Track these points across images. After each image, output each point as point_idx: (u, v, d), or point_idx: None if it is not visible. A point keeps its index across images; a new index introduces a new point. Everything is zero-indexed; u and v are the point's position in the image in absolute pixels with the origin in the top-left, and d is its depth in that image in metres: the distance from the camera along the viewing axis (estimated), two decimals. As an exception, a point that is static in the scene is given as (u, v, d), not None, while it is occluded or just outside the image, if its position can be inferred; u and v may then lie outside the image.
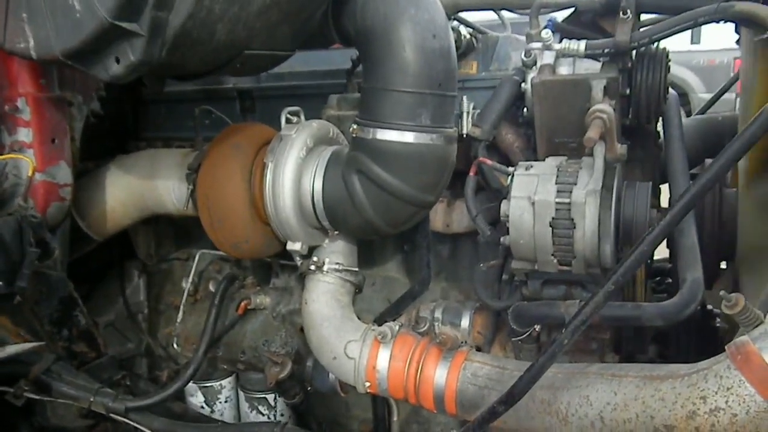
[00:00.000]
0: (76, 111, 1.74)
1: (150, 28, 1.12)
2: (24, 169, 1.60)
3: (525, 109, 1.65)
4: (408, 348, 1.52)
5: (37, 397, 1.63)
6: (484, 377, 1.42)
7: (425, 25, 1.43)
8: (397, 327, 1.55)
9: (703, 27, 1.50)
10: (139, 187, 1.90)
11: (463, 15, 2.02)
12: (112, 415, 1.64)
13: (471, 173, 1.65)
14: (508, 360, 1.50)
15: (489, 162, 1.62)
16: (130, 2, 1.09)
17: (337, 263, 1.68)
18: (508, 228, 1.48)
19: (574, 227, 1.38)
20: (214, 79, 2.14)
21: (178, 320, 2.15)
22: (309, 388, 1.88)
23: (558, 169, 1.44)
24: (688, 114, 2.30)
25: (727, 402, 1.03)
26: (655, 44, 1.56)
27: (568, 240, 1.39)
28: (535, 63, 1.59)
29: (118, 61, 1.17)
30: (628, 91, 1.56)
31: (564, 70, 1.57)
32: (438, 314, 1.75)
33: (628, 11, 1.47)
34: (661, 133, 1.80)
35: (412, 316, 1.77)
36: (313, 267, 1.67)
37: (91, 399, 1.63)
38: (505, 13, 2.26)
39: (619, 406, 1.15)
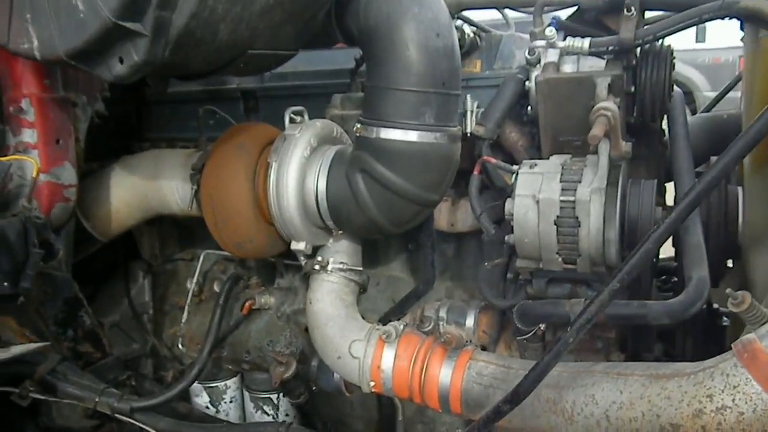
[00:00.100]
0: (80, 112, 1.74)
1: (153, 28, 1.13)
2: (28, 170, 1.60)
3: (529, 108, 1.65)
4: (413, 347, 1.51)
5: (42, 398, 1.63)
6: (489, 376, 1.42)
7: (429, 23, 1.43)
8: (401, 326, 1.55)
9: (708, 25, 1.49)
10: (143, 187, 1.90)
11: (467, 14, 2.02)
12: (117, 415, 1.64)
13: (475, 172, 1.64)
14: (513, 359, 1.50)
15: (493, 160, 1.61)
16: (133, 2, 1.09)
17: (342, 263, 1.68)
18: (512, 227, 1.47)
19: (579, 225, 1.37)
20: (217, 80, 2.14)
21: (183, 320, 2.15)
22: (314, 388, 1.88)
23: (562, 167, 1.43)
24: (693, 112, 2.29)
25: (733, 400, 1.02)
26: (660, 41, 1.55)
27: (573, 238, 1.39)
28: (539, 61, 1.58)
29: (121, 61, 1.17)
30: (632, 89, 1.55)
31: (568, 68, 1.56)
32: (443, 313, 1.75)
33: (633, 8, 1.46)
34: (666, 131, 1.80)
35: (417, 316, 1.76)
36: (317, 267, 1.67)
37: (97, 399, 1.64)
38: (508, 12, 2.26)
39: (625, 404, 1.14)
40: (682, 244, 1.41)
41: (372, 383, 1.54)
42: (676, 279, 2.19)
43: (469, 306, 1.76)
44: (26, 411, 1.68)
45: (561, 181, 1.40)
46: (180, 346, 2.18)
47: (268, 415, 2.08)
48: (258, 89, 2.11)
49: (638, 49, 1.56)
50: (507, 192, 1.55)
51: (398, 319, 1.80)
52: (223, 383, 2.12)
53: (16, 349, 1.48)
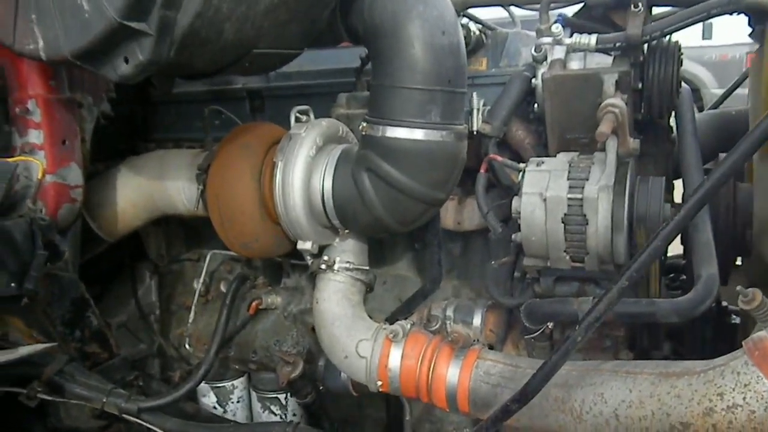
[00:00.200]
0: (86, 112, 1.75)
1: (158, 28, 1.12)
2: (34, 171, 1.61)
3: (536, 105, 1.64)
4: (420, 346, 1.51)
5: (50, 398, 1.64)
6: (497, 375, 1.41)
7: (434, 21, 1.42)
8: (408, 325, 1.54)
9: (715, 22, 1.48)
10: (149, 187, 1.90)
11: (472, 11, 2.01)
12: (124, 415, 1.64)
13: (482, 170, 1.64)
14: (520, 358, 1.49)
15: (500, 159, 1.61)
16: (138, 2, 1.09)
17: (348, 262, 1.67)
18: (519, 225, 1.46)
19: (587, 223, 1.36)
20: (223, 79, 2.14)
21: (190, 321, 2.16)
22: (321, 388, 1.88)
23: (570, 165, 1.42)
24: (700, 110, 2.28)
25: (744, 398, 1.01)
26: (667, 37, 1.54)
27: (581, 236, 1.38)
28: (545, 58, 1.57)
29: (127, 61, 1.17)
30: (640, 85, 1.54)
31: (575, 64, 1.55)
32: (450, 312, 1.74)
33: (640, 4, 1.45)
34: (674, 128, 1.78)
35: (424, 315, 1.76)
36: (323, 266, 1.66)
37: (104, 400, 1.64)
38: (514, 10, 2.25)
39: (635, 403, 1.14)
40: (691, 241, 1.40)
41: (379, 383, 1.53)
42: (684, 277, 2.18)
43: (476, 305, 1.75)
44: (34, 412, 1.68)
45: (568, 179, 1.39)
46: (187, 346, 2.18)
47: (276, 415, 2.08)
48: (263, 89, 2.11)
49: (645, 46, 1.54)
50: (514, 190, 1.54)
51: (405, 319, 1.79)
52: (230, 383, 2.12)
53: (24, 350, 1.48)
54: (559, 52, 1.55)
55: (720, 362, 1.07)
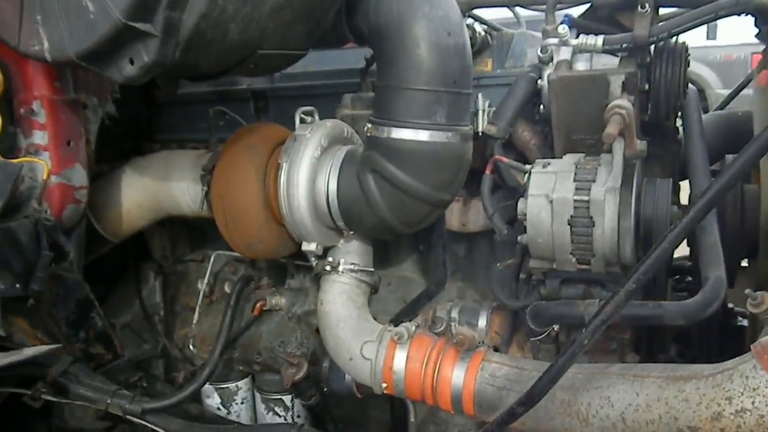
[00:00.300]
0: (91, 113, 1.74)
1: (163, 29, 1.12)
2: (39, 172, 1.60)
3: (541, 106, 1.63)
4: (425, 348, 1.50)
5: (54, 399, 1.63)
6: (503, 378, 1.40)
7: (440, 22, 1.42)
8: (413, 327, 1.54)
9: (719, 22, 1.47)
10: (154, 188, 1.90)
11: (478, 12, 2.01)
12: (129, 417, 1.64)
13: (487, 171, 1.63)
14: (526, 360, 1.48)
15: (505, 160, 1.60)
16: (143, 2, 1.09)
17: (353, 264, 1.67)
18: (525, 226, 1.46)
19: (593, 225, 1.36)
20: (227, 80, 2.14)
21: (194, 321, 2.15)
22: (325, 389, 1.87)
23: (576, 167, 1.42)
24: (705, 110, 2.26)
25: (753, 403, 1.00)
26: (674, 38, 1.53)
27: (587, 238, 1.37)
28: (551, 59, 1.57)
29: (132, 62, 1.16)
30: (646, 87, 1.53)
31: (581, 65, 1.54)
32: (455, 314, 1.74)
33: (647, 5, 1.44)
34: (680, 129, 1.77)
35: (429, 317, 1.75)
36: (328, 268, 1.66)
37: (108, 401, 1.63)
38: (519, 10, 2.24)
39: (642, 407, 1.13)
40: (698, 243, 1.39)
41: (384, 385, 1.53)
42: (690, 278, 2.17)
43: (481, 307, 1.75)
44: (38, 412, 1.68)
45: (575, 181, 1.39)
46: (191, 347, 2.18)
47: (280, 416, 2.07)
48: (268, 89, 2.11)
49: (652, 47, 1.54)
50: (519, 192, 1.54)
51: (410, 320, 1.79)
52: (234, 384, 2.12)
53: (29, 351, 1.48)
54: (565, 53, 1.54)
55: (728, 366, 1.06)
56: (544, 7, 1.68)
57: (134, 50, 1.16)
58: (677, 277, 2.25)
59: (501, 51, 1.86)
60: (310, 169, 1.55)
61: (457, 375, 1.45)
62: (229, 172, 1.66)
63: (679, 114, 1.71)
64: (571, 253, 1.41)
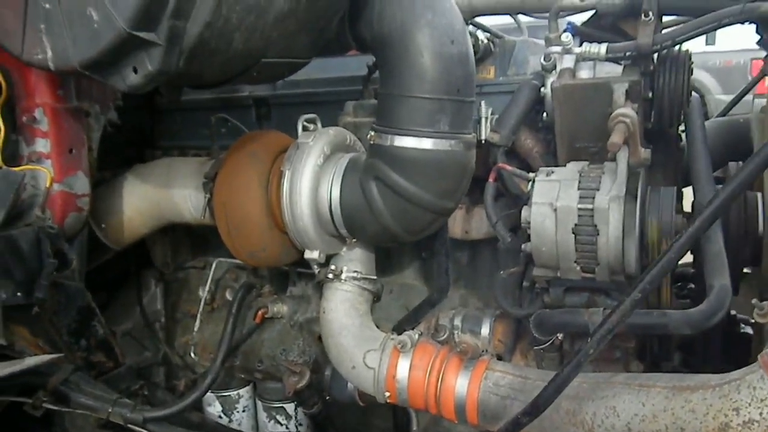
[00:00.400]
0: (93, 121, 1.74)
1: (168, 38, 1.12)
2: (42, 179, 1.60)
3: (545, 114, 1.63)
4: (428, 357, 1.50)
5: (55, 408, 1.62)
6: (507, 387, 1.40)
7: (443, 30, 1.42)
8: (416, 336, 1.53)
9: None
10: (156, 196, 1.90)
11: (479, 19, 2.01)
12: (130, 425, 1.63)
13: (490, 179, 1.63)
14: (530, 369, 1.47)
15: (509, 168, 1.60)
16: (147, 12, 1.08)
17: (355, 271, 1.66)
18: (528, 235, 1.45)
19: (598, 234, 1.35)
20: (229, 87, 2.13)
21: (195, 329, 2.15)
22: (327, 398, 1.86)
23: (580, 175, 1.42)
24: (706, 116, 2.27)
25: (761, 414, 1.00)
26: (677, 46, 1.53)
27: (592, 247, 1.37)
28: (554, 67, 1.57)
29: (135, 71, 1.16)
30: (650, 95, 1.53)
31: (584, 73, 1.54)
32: (457, 322, 1.73)
33: (650, 13, 1.44)
34: (683, 136, 1.77)
35: (432, 325, 1.75)
36: (330, 275, 1.65)
37: (110, 410, 1.63)
38: (519, 16, 2.25)
39: (648, 417, 1.12)
40: (702, 252, 1.39)
41: (387, 394, 1.52)
42: (693, 286, 2.16)
43: (484, 314, 1.74)
44: (39, 421, 1.67)
45: (579, 189, 1.38)
46: (192, 354, 2.17)
47: (282, 424, 2.07)
48: (270, 97, 2.11)
49: (655, 55, 1.54)
50: (523, 199, 1.53)
51: (412, 328, 1.78)
52: (235, 392, 2.11)
53: (30, 361, 1.47)
54: (568, 61, 1.54)
55: (735, 376, 1.06)
56: (546, 14, 1.68)
57: (138, 59, 1.15)
58: (679, 283, 2.25)
59: (503, 58, 1.86)
60: (312, 177, 1.55)
61: (460, 384, 1.44)
62: (231, 179, 1.66)
63: (682, 121, 1.70)
64: (575, 262, 1.41)
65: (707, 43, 7.94)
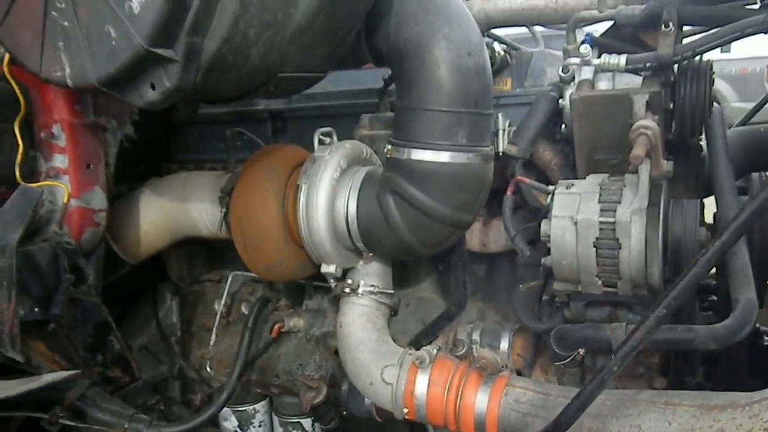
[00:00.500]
0: (110, 136, 1.75)
1: (185, 54, 1.12)
2: (59, 195, 1.61)
3: (563, 126, 1.61)
4: (447, 373, 1.48)
5: (72, 424, 1.61)
6: (528, 403, 1.38)
7: (460, 43, 1.41)
8: (435, 351, 1.51)
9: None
10: (172, 210, 1.90)
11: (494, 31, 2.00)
12: (146, 441, 1.62)
13: (509, 192, 1.61)
14: (551, 385, 1.45)
15: (527, 180, 1.58)
16: (165, 28, 1.08)
17: (372, 285, 1.65)
18: (548, 248, 1.43)
19: (620, 247, 1.33)
20: (245, 101, 2.14)
21: (211, 343, 2.14)
22: (344, 413, 1.85)
23: (601, 188, 1.39)
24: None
25: (793, 434, 0.97)
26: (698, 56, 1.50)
27: (614, 261, 1.34)
28: (573, 78, 1.55)
29: (153, 87, 1.16)
30: (671, 106, 1.51)
31: (603, 85, 1.52)
32: (476, 336, 1.71)
33: (671, 24, 1.42)
34: (703, 146, 1.75)
35: (450, 339, 1.73)
36: (347, 290, 1.64)
37: (126, 425, 1.62)
38: (535, 27, 2.23)
39: (675, 436, 1.09)
40: (727, 265, 1.36)
41: (405, 410, 1.50)
42: (715, 298, 2.13)
43: (502, 328, 1.72)
44: (56, 437, 1.67)
45: (600, 202, 1.36)
46: (208, 368, 2.16)
47: (298, 439, 2.05)
48: (286, 110, 2.11)
49: (676, 65, 1.51)
50: (542, 212, 1.52)
51: (430, 342, 1.76)
52: (251, 407, 2.10)
53: (47, 378, 1.46)
54: (587, 73, 1.52)
55: (766, 395, 1.03)
56: (563, 25, 1.67)
57: (155, 76, 1.15)
58: (701, 296, 2.21)
59: (520, 70, 1.85)
60: (329, 191, 1.54)
61: (480, 400, 1.43)
62: (248, 193, 1.66)
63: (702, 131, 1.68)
64: (596, 276, 1.38)
65: (722, 51, 7.89)
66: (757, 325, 1.97)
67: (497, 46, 1.83)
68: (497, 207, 1.71)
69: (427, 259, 1.93)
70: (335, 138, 1.66)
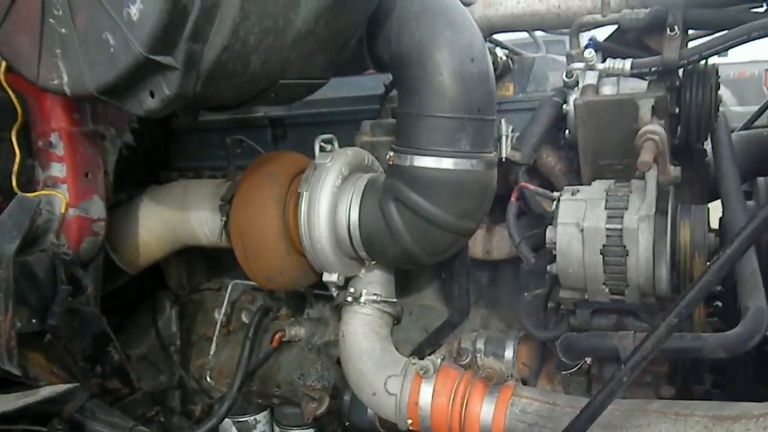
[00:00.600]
0: (109, 144, 1.73)
1: (185, 61, 1.10)
2: (57, 204, 1.59)
3: (567, 131, 1.59)
4: (451, 382, 1.46)
5: (71, 437, 1.59)
6: (534, 414, 1.36)
7: (462, 49, 1.40)
8: (439, 360, 1.49)
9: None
10: (172, 219, 1.87)
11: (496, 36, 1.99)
12: (147, 454, 1.60)
13: (513, 199, 1.59)
14: (558, 395, 1.43)
15: (531, 187, 1.56)
16: (165, 35, 1.06)
17: (375, 294, 1.63)
18: (553, 255, 1.41)
19: (627, 255, 1.31)
20: (245, 108, 2.12)
21: (211, 353, 2.11)
22: (347, 424, 1.82)
23: (607, 194, 1.38)
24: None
25: (809, 446, 0.95)
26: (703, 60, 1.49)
27: (621, 268, 1.32)
28: (577, 83, 1.53)
29: (152, 95, 1.14)
30: (676, 110, 1.49)
31: (608, 90, 1.51)
32: (480, 345, 1.69)
33: (676, 27, 1.40)
34: (708, 151, 1.73)
35: (454, 348, 1.70)
36: (350, 298, 1.62)
37: (126, 438, 1.59)
38: (536, 32, 2.22)
39: (687, 448, 1.07)
40: (736, 272, 1.34)
41: (409, 421, 1.49)
42: (720, 303, 2.11)
43: (507, 337, 1.70)
44: (54, 450, 1.64)
45: (606, 209, 1.35)
46: (208, 378, 2.13)
47: (300, 450, 2.02)
48: (286, 117, 2.09)
49: (681, 70, 1.50)
50: (546, 219, 1.50)
51: (433, 351, 1.74)
52: (252, 418, 2.07)
53: (45, 391, 1.44)
54: (591, 77, 1.51)
55: (780, 406, 1.01)
56: (565, 30, 1.66)
57: (155, 83, 1.13)
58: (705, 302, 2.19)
59: (522, 75, 1.83)
60: (331, 198, 1.53)
61: (486, 410, 1.41)
62: (248, 201, 1.64)
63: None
64: (603, 284, 1.36)
65: (720, 55, 7.88)
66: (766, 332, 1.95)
67: (499, 52, 1.81)
68: (500, 214, 1.69)
69: (430, 267, 1.91)
70: (336, 145, 1.64)
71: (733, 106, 7.57)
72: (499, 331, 1.78)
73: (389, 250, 1.52)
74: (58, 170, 1.60)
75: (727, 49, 1.37)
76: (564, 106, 1.58)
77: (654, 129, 1.26)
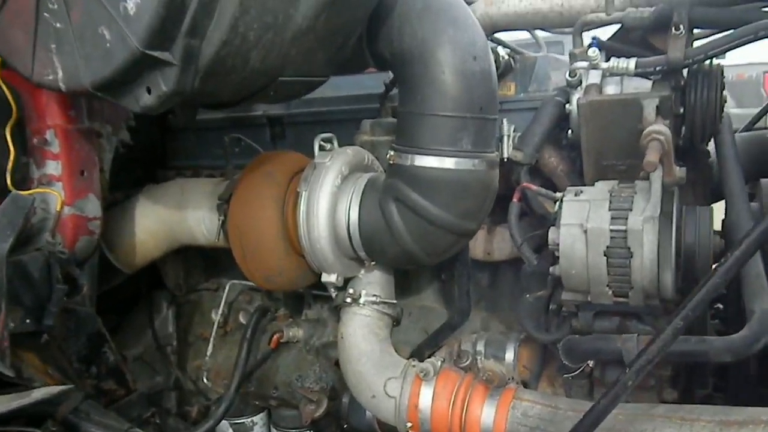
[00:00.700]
0: (105, 142, 1.71)
1: (182, 57, 1.08)
2: (52, 203, 1.56)
3: (569, 131, 1.57)
4: (452, 385, 1.44)
5: (65, 439, 1.57)
6: (536, 417, 1.34)
7: (465, 47, 1.38)
8: (439, 363, 1.47)
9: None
10: (169, 218, 1.85)
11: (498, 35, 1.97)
12: (142, 456, 1.57)
13: (514, 199, 1.57)
14: (559, 398, 1.41)
15: (533, 187, 1.54)
16: (162, 30, 1.04)
17: (374, 295, 1.61)
18: (555, 256, 1.39)
19: (631, 256, 1.29)
20: (243, 106, 2.10)
21: (208, 353, 2.09)
22: (345, 426, 1.80)
23: (611, 195, 1.36)
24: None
25: (819, 452, 0.93)
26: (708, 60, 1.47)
27: (625, 270, 1.30)
28: (580, 83, 1.51)
29: (149, 91, 1.12)
30: (681, 110, 1.48)
31: (611, 89, 1.49)
32: (480, 347, 1.67)
33: (681, 26, 1.38)
34: (711, 152, 1.71)
35: (454, 350, 1.68)
36: (349, 299, 1.60)
37: (121, 440, 1.57)
38: (537, 32, 2.20)
39: (692, 454, 1.05)
40: (741, 274, 1.32)
41: (409, 424, 1.47)
42: (721, 305, 2.09)
43: (507, 339, 1.68)
44: (48, 453, 1.62)
45: (610, 209, 1.33)
46: (205, 380, 2.11)
47: (297, 453, 2.00)
48: (284, 116, 2.07)
49: (686, 69, 1.48)
50: (549, 220, 1.48)
51: (433, 353, 1.72)
52: (249, 419, 2.05)
53: (38, 393, 1.41)
54: (594, 77, 1.49)
55: (788, 411, 0.99)
56: (567, 29, 1.64)
57: (152, 79, 1.11)
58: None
59: (524, 75, 1.82)
60: (330, 198, 1.51)
61: (486, 414, 1.39)
62: (246, 201, 1.61)
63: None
64: (607, 286, 1.34)
65: (718, 57, 7.87)
66: None
67: (501, 51, 1.80)
68: (501, 214, 1.67)
69: (430, 268, 1.89)
70: (336, 144, 1.62)
71: (731, 109, 7.56)
72: (499, 333, 1.76)
73: (389, 250, 1.50)
74: (53, 168, 1.58)
75: (733, 49, 1.36)
76: (567, 105, 1.56)
77: (659, 129, 1.24)
